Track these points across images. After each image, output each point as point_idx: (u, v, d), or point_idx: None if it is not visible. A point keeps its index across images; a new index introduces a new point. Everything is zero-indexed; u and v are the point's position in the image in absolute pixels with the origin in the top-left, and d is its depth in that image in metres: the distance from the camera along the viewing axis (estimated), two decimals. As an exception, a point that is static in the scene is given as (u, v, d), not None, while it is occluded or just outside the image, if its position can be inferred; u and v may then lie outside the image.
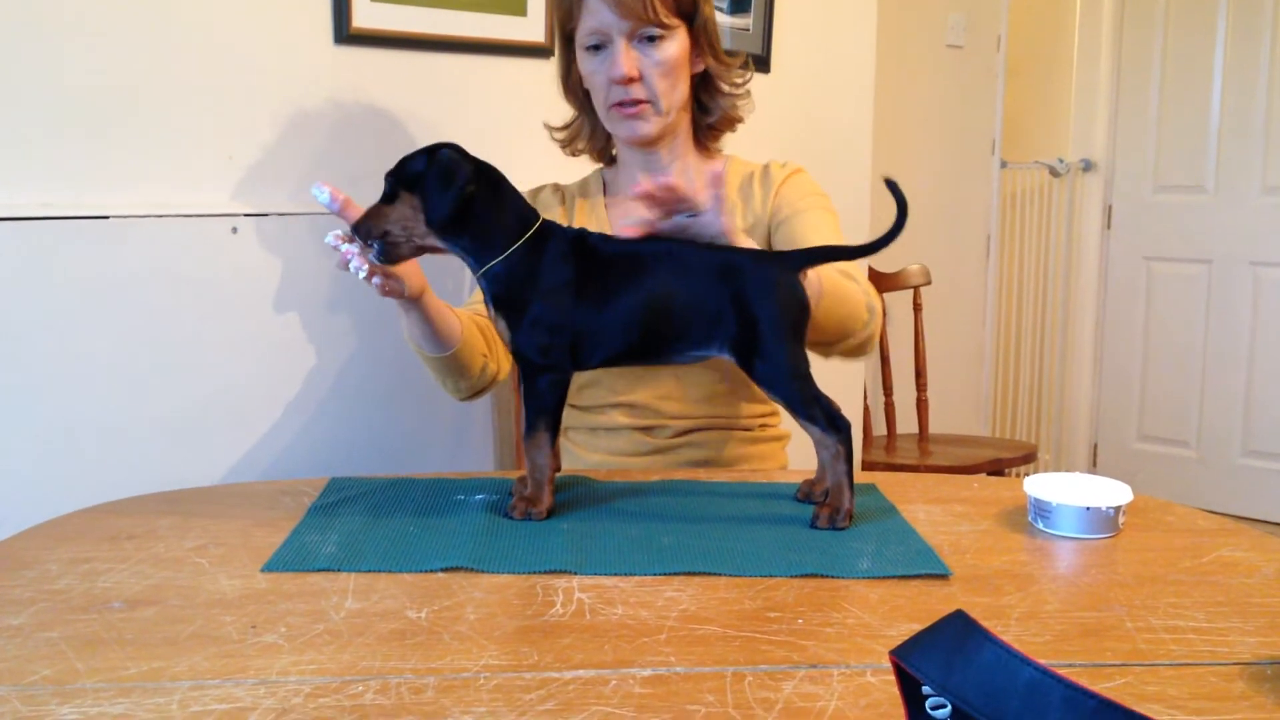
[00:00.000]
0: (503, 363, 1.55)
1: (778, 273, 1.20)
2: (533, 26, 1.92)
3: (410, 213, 1.22)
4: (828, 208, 1.60)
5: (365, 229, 1.22)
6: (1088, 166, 4.18)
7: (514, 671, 0.84)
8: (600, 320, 1.21)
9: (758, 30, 2.49)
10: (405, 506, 1.25)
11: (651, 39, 1.48)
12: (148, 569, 1.06)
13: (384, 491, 1.30)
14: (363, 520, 1.20)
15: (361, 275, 1.25)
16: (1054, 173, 4.16)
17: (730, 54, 1.60)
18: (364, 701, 0.79)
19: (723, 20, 2.40)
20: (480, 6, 1.86)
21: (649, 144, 1.57)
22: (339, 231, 1.26)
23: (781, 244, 1.55)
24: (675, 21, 1.50)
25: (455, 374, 1.48)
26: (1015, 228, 4.20)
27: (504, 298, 1.22)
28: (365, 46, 1.78)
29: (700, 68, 1.57)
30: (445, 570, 1.05)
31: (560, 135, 1.67)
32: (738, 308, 1.19)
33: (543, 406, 1.22)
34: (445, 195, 1.19)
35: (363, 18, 1.76)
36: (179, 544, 1.13)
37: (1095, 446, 4.28)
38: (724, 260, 1.21)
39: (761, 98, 2.47)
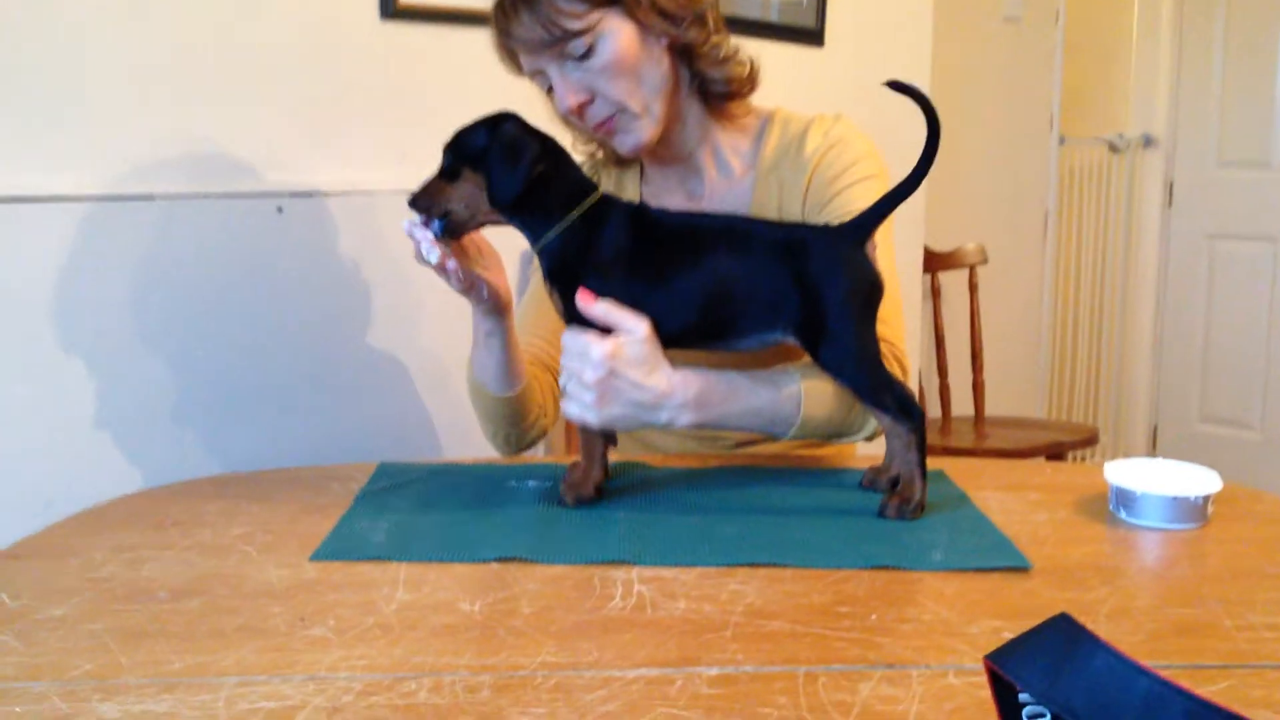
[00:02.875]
0: (551, 414, 1.44)
1: (844, 249, 1.14)
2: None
3: (475, 191, 1.16)
4: (865, 176, 1.39)
5: (425, 205, 1.17)
6: (1148, 142, 4.06)
7: (573, 669, 0.80)
8: (656, 298, 1.15)
9: (811, 4, 2.42)
10: (456, 494, 1.21)
11: (585, 55, 1.27)
12: (193, 557, 1.02)
13: (434, 478, 1.27)
14: (413, 508, 1.16)
15: (433, 260, 1.17)
16: (1114, 149, 4.05)
17: (684, 10, 1.34)
18: (417, 700, 0.75)
19: (776, -8, 2.33)
20: (529, -21, 1.81)
21: (655, 152, 1.41)
22: (419, 218, 1.19)
23: None
24: (593, 16, 1.26)
25: (511, 420, 1.38)
26: (1074, 205, 4.09)
27: (559, 272, 1.17)
28: (412, 21, 1.74)
29: (667, 41, 1.34)
30: (499, 560, 1.01)
31: (599, 160, 1.53)
32: (802, 287, 1.13)
33: None
34: (513, 174, 1.14)
35: (409, -9, 1.72)
36: (226, 531, 1.10)
37: (1155, 429, 4.18)
38: (787, 236, 1.15)
39: (814, 72, 2.41)
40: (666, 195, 1.45)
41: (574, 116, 1.34)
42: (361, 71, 1.71)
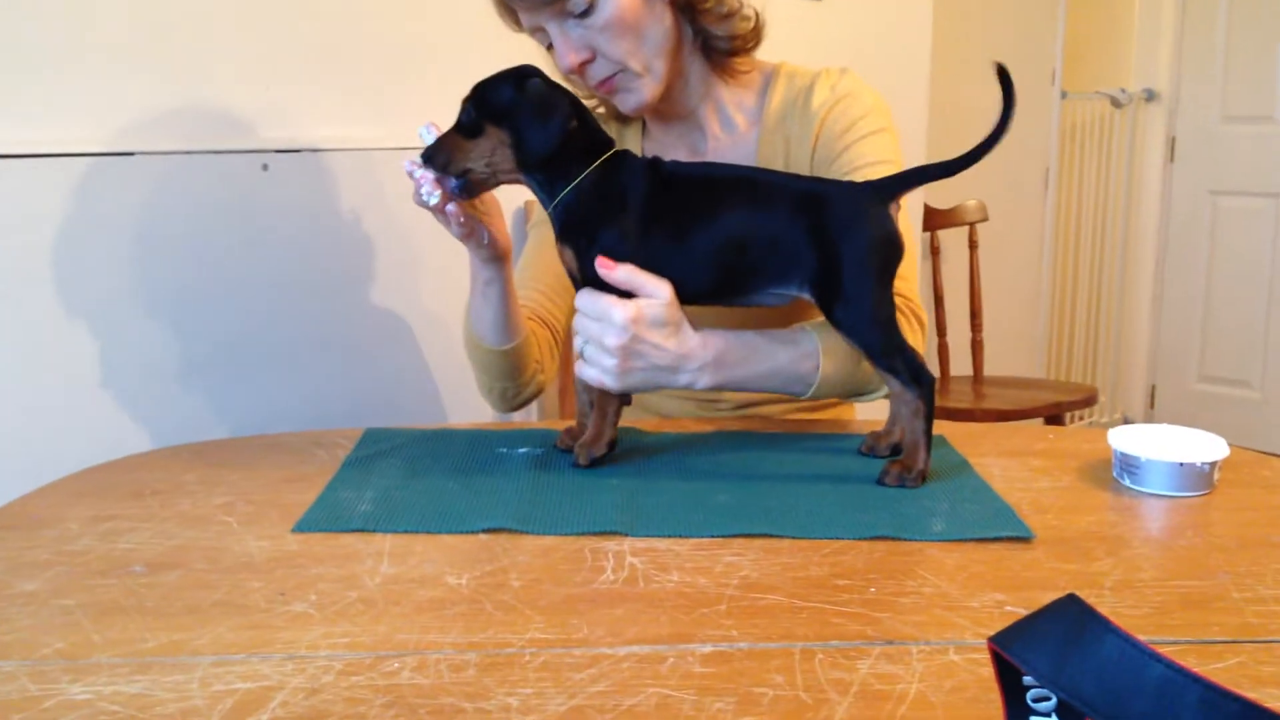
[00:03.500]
0: (549, 370, 1.42)
1: (866, 204, 1.10)
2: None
3: (497, 146, 1.12)
4: (874, 130, 1.37)
5: (443, 161, 1.12)
6: (1151, 96, 4.01)
7: (562, 647, 0.77)
8: (672, 252, 1.12)
9: (810, -47, 2.36)
10: (445, 461, 1.18)
11: (585, 12, 1.23)
12: (172, 528, 0.99)
13: (422, 444, 1.24)
14: (400, 476, 1.13)
15: (433, 202, 1.14)
16: (1115, 103, 3.99)
17: None
18: (399, 680, 0.73)
19: (774, -57, 2.27)
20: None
21: (657, 109, 1.38)
22: (418, 159, 1.14)
23: None
24: None
25: (508, 374, 1.35)
26: (1075, 161, 4.04)
27: (572, 228, 1.13)
28: (398, -28, 1.69)
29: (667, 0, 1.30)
30: (487, 531, 0.98)
31: (600, 114, 1.47)
32: (819, 241, 1.09)
33: None
34: (545, 131, 1.10)
35: (395, -59, 1.67)
36: (206, 501, 1.07)
37: (1153, 388, 4.16)
38: (808, 188, 1.12)
39: (815, 28, 2.35)
40: (669, 151, 1.42)
41: (575, 75, 1.30)
42: (349, 26, 1.66)
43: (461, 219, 1.17)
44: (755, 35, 1.39)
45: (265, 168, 1.59)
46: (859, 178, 1.28)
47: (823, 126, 1.37)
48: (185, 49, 1.53)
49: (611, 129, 1.48)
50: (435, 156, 1.12)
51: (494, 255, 1.25)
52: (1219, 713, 0.50)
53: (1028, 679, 0.58)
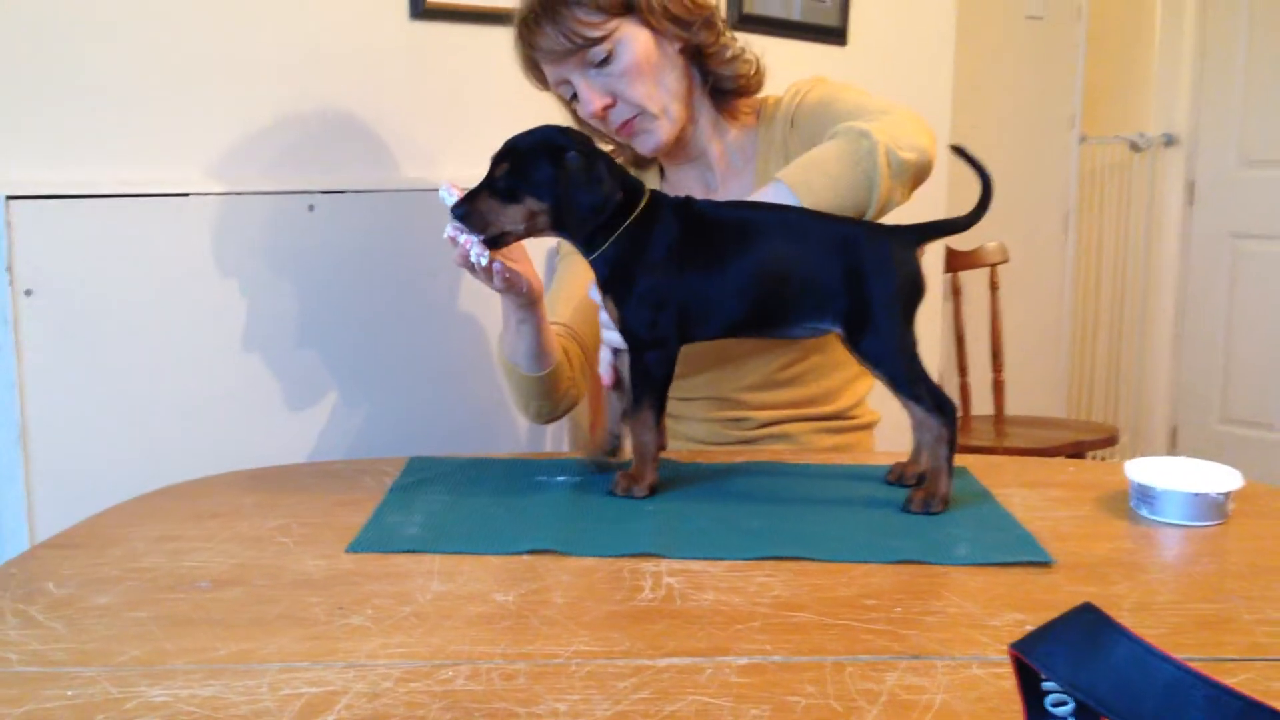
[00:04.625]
0: (581, 386, 1.49)
1: (894, 248, 1.16)
2: None
3: (533, 214, 1.17)
4: (843, 90, 1.46)
5: (479, 224, 1.17)
6: (1170, 141, 4.05)
7: (606, 658, 0.82)
8: (709, 289, 1.17)
9: (834, 2, 2.44)
10: (486, 487, 1.23)
11: (604, 61, 1.36)
12: (233, 548, 1.05)
13: (464, 471, 1.29)
14: (445, 500, 1.18)
15: (484, 262, 1.20)
16: (1135, 147, 4.04)
17: (694, 13, 1.41)
18: (455, 687, 0.78)
19: (799, -8, 2.34)
20: (555, -20, 1.83)
21: (671, 151, 1.48)
22: (459, 225, 1.19)
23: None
24: (611, 24, 1.35)
25: (543, 395, 1.42)
26: (1095, 204, 4.09)
27: (613, 278, 1.19)
28: (441, 21, 1.77)
29: (679, 46, 1.43)
30: (530, 553, 1.03)
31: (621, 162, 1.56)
32: (852, 281, 1.15)
33: (650, 383, 1.19)
34: (593, 209, 1.15)
35: (438, -8, 1.74)
36: (263, 523, 1.12)
37: (1175, 429, 4.18)
38: (840, 232, 1.17)
39: (838, 70, 2.41)
40: (685, 191, 1.48)
41: (597, 120, 1.40)
42: (391, 70, 1.74)
43: (505, 274, 1.23)
44: (758, 78, 1.51)
45: (311, 208, 1.66)
46: (851, 121, 1.32)
47: (795, 115, 1.47)
48: (233, 92, 1.60)
49: (647, 173, 1.56)
50: (471, 219, 1.17)
51: (529, 300, 1.31)
52: (1223, 710, 0.54)
53: (1046, 684, 0.62)
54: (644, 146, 1.45)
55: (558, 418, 1.48)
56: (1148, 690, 0.56)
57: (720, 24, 1.46)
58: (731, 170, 1.53)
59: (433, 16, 1.75)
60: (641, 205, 1.19)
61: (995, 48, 3.46)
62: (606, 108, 1.39)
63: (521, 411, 1.47)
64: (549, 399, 1.43)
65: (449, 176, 1.22)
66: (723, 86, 1.48)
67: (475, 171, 1.21)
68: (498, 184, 1.17)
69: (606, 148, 1.51)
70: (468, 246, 1.19)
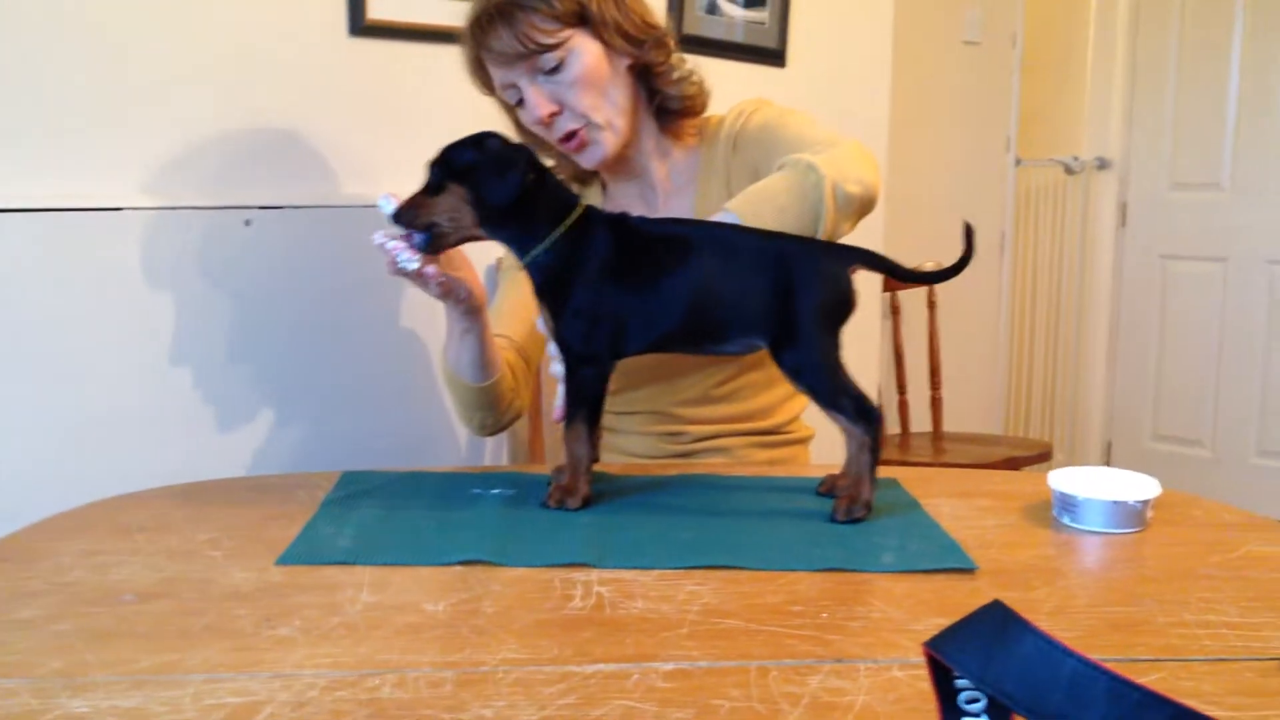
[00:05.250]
0: (525, 397, 1.50)
1: (825, 263, 1.18)
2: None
3: (459, 204, 1.19)
4: (790, 116, 1.48)
5: (409, 218, 1.20)
6: (1102, 164, 4.14)
7: (533, 665, 0.83)
8: (642, 305, 1.19)
9: (773, 24, 2.47)
10: (420, 500, 1.23)
11: (555, 69, 1.38)
12: (160, 561, 1.04)
13: (399, 485, 1.29)
14: (378, 513, 1.18)
15: (413, 267, 1.20)
16: (1069, 170, 4.13)
17: (646, 34, 1.45)
18: (381, 695, 0.78)
19: (737, 14, 2.38)
20: (494, -2, 1.84)
21: (614, 164, 1.49)
22: (385, 230, 1.22)
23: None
24: (565, 33, 1.37)
25: (487, 407, 1.42)
26: (1030, 225, 4.17)
27: (548, 287, 1.20)
28: (380, 38, 1.77)
29: (629, 61, 1.45)
30: (462, 564, 1.04)
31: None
32: (782, 296, 1.17)
33: (583, 397, 1.20)
34: (504, 184, 1.17)
35: (377, 9, 1.75)
36: (192, 537, 1.11)
37: (1109, 445, 4.25)
38: (774, 247, 1.19)
39: (777, 92, 2.45)
40: (626, 207, 1.50)
41: (542, 127, 1.42)
42: (330, 86, 1.74)
43: (440, 279, 1.24)
44: (703, 100, 1.53)
45: (248, 223, 1.65)
46: (799, 155, 1.33)
47: (738, 139, 1.49)
48: (170, 107, 1.60)
49: (590, 191, 1.57)
50: (402, 214, 1.20)
51: (471, 308, 1.31)
52: (1123, 701, 0.56)
53: (960, 682, 0.64)
54: (588, 159, 1.46)
55: (502, 429, 1.48)
56: (1053, 684, 0.58)
57: (671, 44, 1.48)
58: (673, 189, 1.54)
59: (372, 34, 1.75)
60: (574, 216, 1.20)
61: (932, 72, 3.53)
62: (553, 115, 1.40)
63: (466, 424, 1.47)
64: (493, 410, 1.44)
65: (388, 190, 1.23)
66: (668, 106, 1.50)
67: (414, 186, 1.21)
68: (429, 180, 1.20)
69: (549, 162, 1.53)
70: (395, 252, 1.20)
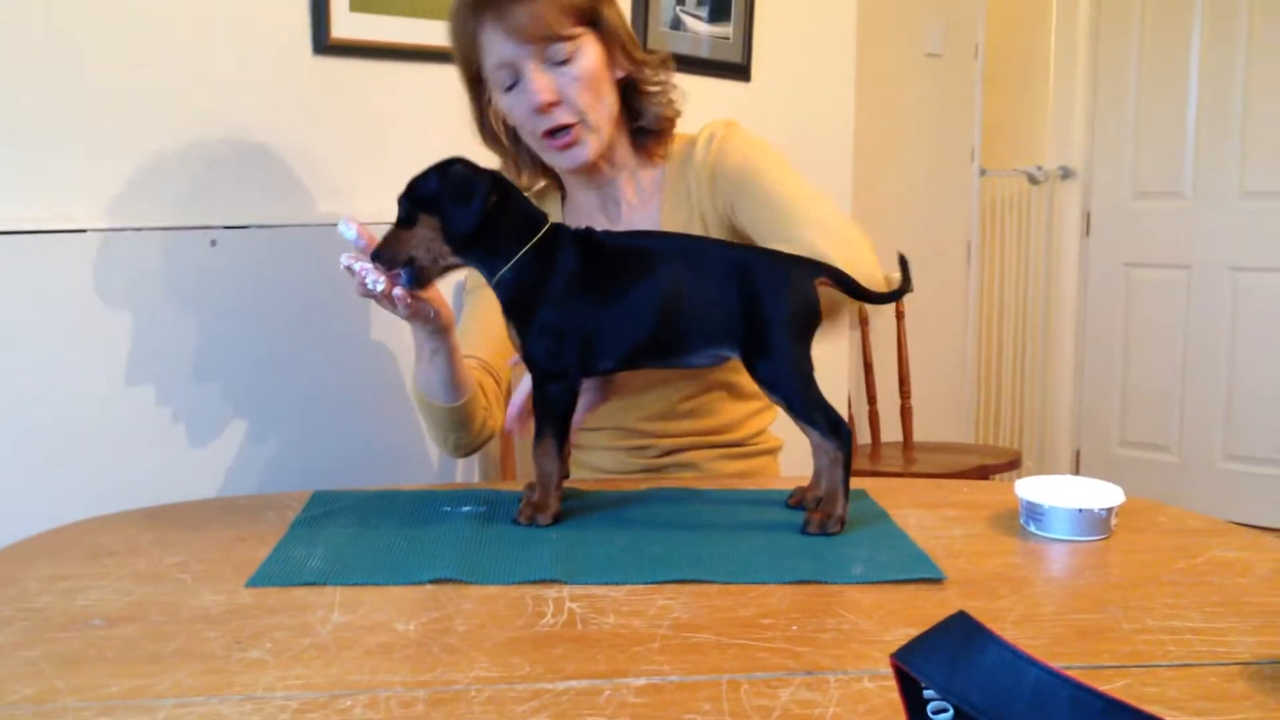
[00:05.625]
0: (497, 417, 1.49)
1: (791, 274, 1.19)
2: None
3: (432, 234, 1.20)
4: (767, 166, 1.48)
5: (389, 256, 1.20)
6: (1066, 174, 4.19)
7: (505, 683, 0.83)
8: (609, 319, 1.20)
9: (738, 39, 2.49)
10: (391, 519, 1.23)
11: (563, 62, 1.40)
12: (129, 585, 1.03)
13: (369, 504, 1.29)
14: (348, 533, 1.18)
15: (379, 288, 1.20)
16: (1032, 180, 4.18)
17: (649, 52, 1.50)
18: (353, 716, 0.78)
19: (701, 29, 2.40)
20: (460, 16, 1.85)
21: (587, 169, 1.50)
22: (352, 253, 1.22)
23: (748, 227, 1.47)
24: (578, 30, 1.40)
25: (458, 426, 1.42)
26: (995, 235, 4.21)
27: (515, 304, 1.21)
28: (344, 57, 1.77)
29: (621, 74, 1.47)
30: (433, 582, 1.04)
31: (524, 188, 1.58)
32: (749, 306, 1.18)
33: (552, 413, 1.21)
34: (467, 209, 1.18)
35: (342, 28, 1.75)
36: (160, 560, 1.11)
37: (1078, 453, 4.29)
38: (738, 258, 1.20)
39: (741, 106, 2.47)
40: (587, 220, 1.51)
41: (534, 115, 1.41)
42: (294, 105, 1.74)
43: (407, 301, 1.24)
44: (674, 122, 1.54)
45: (213, 243, 1.65)
46: (806, 233, 1.36)
47: (714, 175, 1.50)
48: (134, 127, 1.59)
49: (549, 205, 1.57)
50: (382, 254, 1.20)
51: (439, 328, 1.31)
52: (1086, 709, 0.57)
53: (928, 693, 0.64)
54: (570, 158, 1.45)
55: (475, 449, 1.48)
56: (1017, 693, 0.59)
57: (673, 66, 1.52)
58: (637, 203, 1.55)
59: (336, 52, 1.75)
60: (541, 234, 1.20)
61: (896, 84, 3.56)
62: (551, 105, 1.40)
63: (439, 445, 1.47)
64: (465, 430, 1.43)
65: (352, 211, 1.23)
66: (645, 124, 1.52)
67: (378, 206, 1.22)
68: (399, 215, 1.20)
69: (522, 183, 1.54)
70: (363, 275, 1.20)
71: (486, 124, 1.51)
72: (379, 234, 1.23)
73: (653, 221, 1.53)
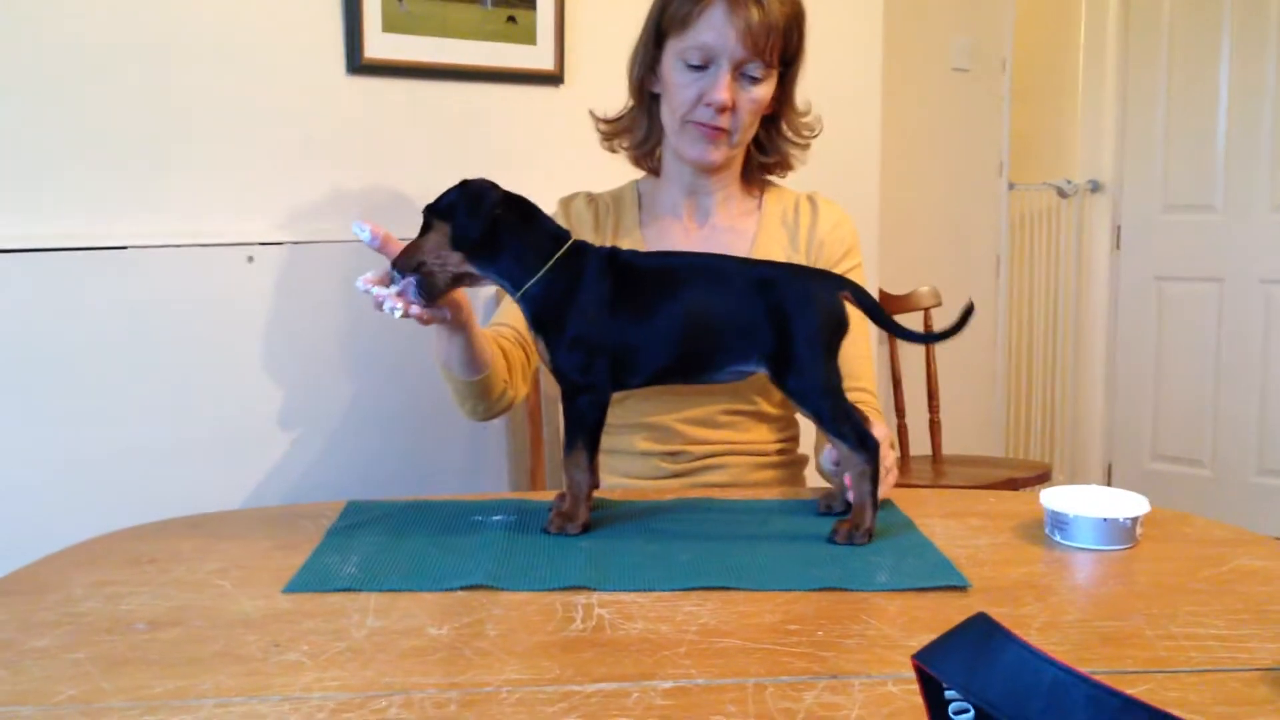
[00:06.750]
0: (519, 388, 1.53)
1: (816, 287, 1.22)
2: (542, 55, 1.95)
3: (442, 240, 1.23)
4: (856, 263, 1.63)
5: (401, 263, 1.23)
6: (1095, 187, 4.18)
7: (535, 685, 0.85)
8: (639, 337, 1.22)
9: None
10: (423, 528, 1.25)
11: (754, 79, 1.49)
12: (170, 591, 1.06)
13: (402, 514, 1.31)
14: (382, 541, 1.20)
15: (397, 315, 1.24)
16: (1062, 194, 4.17)
17: (806, 112, 1.63)
18: (388, 716, 0.80)
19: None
20: (491, 36, 1.88)
21: (710, 170, 1.57)
22: (369, 275, 1.25)
23: None
24: (771, 70, 1.51)
25: (477, 397, 1.46)
26: (1024, 249, 4.21)
27: (542, 318, 1.23)
28: (377, 76, 1.81)
29: (772, 110, 1.58)
30: (465, 589, 1.06)
31: (606, 127, 1.65)
32: (775, 321, 1.20)
33: (582, 425, 1.23)
34: (474, 216, 1.21)
35: (375, 48, 1.79)
36: (200, 567, 1.14)
37: (1110, 467, 4.27)
38: (762, 273, 1.23)
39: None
40: (667, 223, 1.61)
41: (702, 107, 1.50)
42: (329, 124, 1.77)
43: (423, 319, 1.27)
44: (790, 167, 1.66)
45: (250, 259, 1.68)
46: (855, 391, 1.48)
47: (831, 233, 1.62)
48: (172, 147, 1.63)
49: (612, 224, 1.62)
50: (399, 262, 1.24)
51: (455, 326, 1.34)
52: (1103, 708, 0.58)
53: (949, 693, 0.66)
54: (709, 153, 1.53)
55: (495, 416, 1.52)
56: (1034, 692, 0.60)
57: (810, 125, 1.64)
58: (726, 223, 1.62)
59: (369, 72, 1.79)
60: (564, 250, 1.23)
61: (922, 99, 3.57)
62: (725, 109, 1.48)
63: (459, 410, 1.51)
64: (484, 399, 1.47)
65: (399, 230, 1.26)
66: (765, 157, 1.63)
67: (413, 221, 1.25)
68: (422, 226, 1.24)
69: (624, 142, 1.64)
70: (379, 300, 1.23)
71: (644, 77, 1.57)
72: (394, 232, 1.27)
73: (745, 246, 1.58)
